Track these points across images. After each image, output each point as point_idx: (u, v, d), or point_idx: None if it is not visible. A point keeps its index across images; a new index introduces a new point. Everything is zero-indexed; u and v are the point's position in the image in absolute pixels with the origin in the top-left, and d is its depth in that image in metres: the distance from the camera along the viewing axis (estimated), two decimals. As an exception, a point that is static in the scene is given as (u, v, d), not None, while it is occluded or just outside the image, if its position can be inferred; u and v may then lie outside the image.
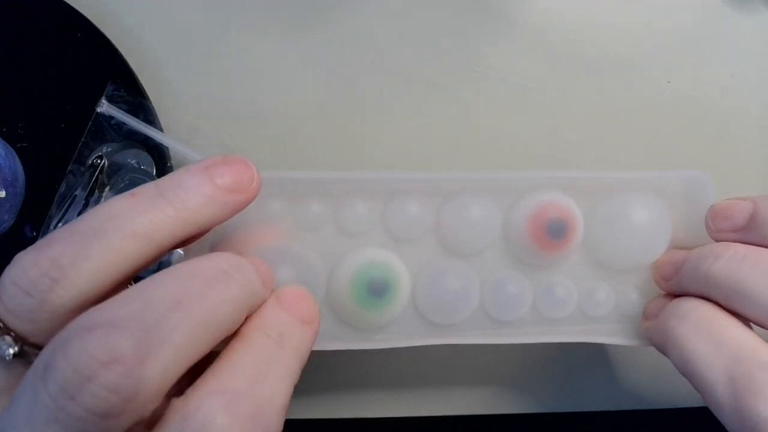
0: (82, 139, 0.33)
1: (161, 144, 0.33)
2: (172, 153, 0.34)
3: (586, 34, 0.34)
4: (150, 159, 0.33)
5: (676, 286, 0.25)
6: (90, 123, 0.33)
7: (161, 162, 0.33)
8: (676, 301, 0.24)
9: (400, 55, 0.34)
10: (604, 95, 0.34)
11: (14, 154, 0.34)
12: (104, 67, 0.33)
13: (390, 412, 0.35)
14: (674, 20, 0.34)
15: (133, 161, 0.33)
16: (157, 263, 0.24)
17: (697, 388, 0.22)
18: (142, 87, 0.33)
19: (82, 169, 0.33)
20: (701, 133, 0.34)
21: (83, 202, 0.33)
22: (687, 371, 0.23)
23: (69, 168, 0.33)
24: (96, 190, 0.33)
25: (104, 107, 0.33)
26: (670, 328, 0.23)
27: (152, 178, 0.33)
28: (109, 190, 0.33)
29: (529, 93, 0.34)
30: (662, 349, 0.25)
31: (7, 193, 0.32)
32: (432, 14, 0.34)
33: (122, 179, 0.33)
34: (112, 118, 0.33)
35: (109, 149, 0.33)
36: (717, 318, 0.23)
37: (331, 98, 0.34)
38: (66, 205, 0.33)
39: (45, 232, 0.33)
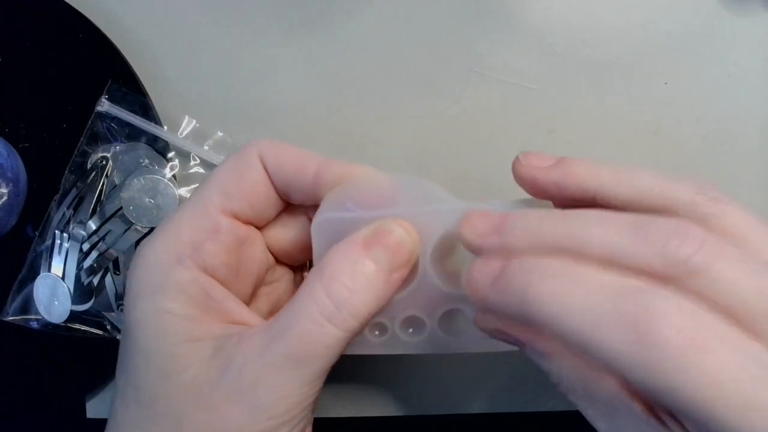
0: (83, 139, 0.33)
1: (162, 143, 0.33)
2: (173, 150, 0.34)
3: (585, 35, 0.34)
4: (161, 159, 0.33)
5: (498, 243, 0.21)
6: (90, 122, 0.33)
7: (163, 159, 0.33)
8: (519, 260, 0.20)
9: (400, 55, 0.34)
10: (603, 95, 0.34)
11: (16, 153, 0.34)
12: (105, 67, 0.33)
13: (390, 412, 0.35)
14: (672, 21, 0.34)
15: (145, 161, 0.33)
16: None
17: (582, 345, 0.18)
18: (143, 86, 0.33)
19: (84, 168, 0.33)
20: (699, 133, 0.34)
21: (91, 204, 0.33)
22: (561, 329, 0.18)
23: (70, 168, 0.33)
24: (104, 193, 0.33)
25: (105, 106, 0.33)
26: (523, 286, 0.19)
27: (168, 179, 0.33)
28: (122, 191, 0.32)
29: (529, 93, 0.34)
30: (520, 317, 0.19)
31: (9, 193, 0.33)
32: (432, 15, 0.34)
33: (138, 182, 0.32)
34: (113, 117, 0.33)
35: (117, 149, 0.33)
36: (576, 264, 0.19)
37: (332, 98, 0.34)
38: (68, 205, 0.33)
39: (45, 232, 0.33)
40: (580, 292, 0.18)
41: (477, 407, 0.35)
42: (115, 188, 0.33)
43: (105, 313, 0.33)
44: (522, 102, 0.34)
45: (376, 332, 0.25)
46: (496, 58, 0.34)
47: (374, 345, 0.26)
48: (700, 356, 0.16)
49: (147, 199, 0.32)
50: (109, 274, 0.33)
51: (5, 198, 0.32)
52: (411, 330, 0.25)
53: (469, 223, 0.22)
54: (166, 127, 0.34)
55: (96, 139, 0.33)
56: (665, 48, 0.34)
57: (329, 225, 0.24)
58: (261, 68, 0.34)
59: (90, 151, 0.33)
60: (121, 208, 0.32)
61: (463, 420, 0.35)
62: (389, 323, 0.25)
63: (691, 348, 0.16)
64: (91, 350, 0.34)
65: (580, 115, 0.34)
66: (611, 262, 0.18)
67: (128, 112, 0.33)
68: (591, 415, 0.21)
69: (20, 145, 0.34)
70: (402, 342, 0.25)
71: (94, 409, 0.35)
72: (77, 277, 0.32)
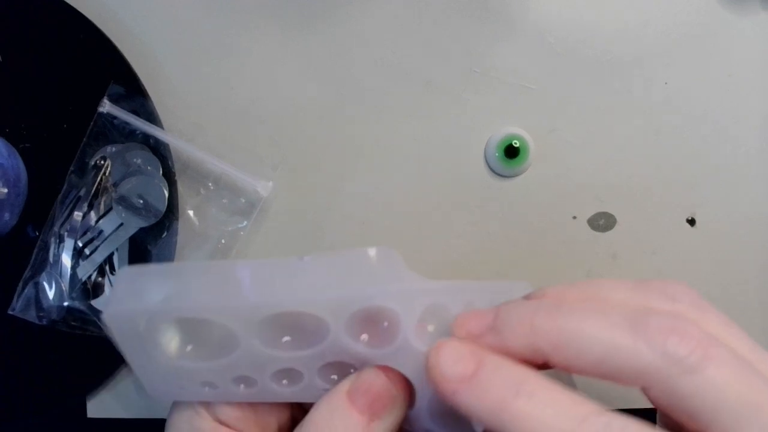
0: (85, 139, 0.33)
1: (163, 143, 0.33)
2: (173, 151, 0.34)
3: (585, 35, 0.34)
4: (155, 159, 0.33)
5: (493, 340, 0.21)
6: (92, 123, 0.33)
7: (163, 161, 0.33)
8: (497, 365, 0.20)
9: (400, 55, 0.34)
10: (603, 95, 0.34)
11: (17, 154, 0.34)
12: (106, 68, 0.33)
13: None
14: (672, 21, 0.34)
15: (138, 161, 0.33)
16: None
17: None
18: (144, 87, 0.33)
19: (86, 169, 0.33)
20: (700, 133, 0.34)
21: (87, 203, 0.33)
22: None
23: (71, 168, 0.33)
24: (100, 192, 0.33)
25: (106, 107, 0.33)
26: (500, 399, 0.19)
27: (159, 179, 0.33)
28: (116, 192, 0.33)
29: (529, 93, 0.34)
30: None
31: (9, 193, 0.33)
32: (432, 15, 0.34)
33: (129, 181, 0.33)
34: (114, 117, 0.33)
35: (113, 149, 0.33)
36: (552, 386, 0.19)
37: (331, 98, 0.34)
38: (69, 205, 0.33)
39: (47, 233, 0.33)
40: (549, 417, 0.18)
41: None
42: (109, 188, 0.33)
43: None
44: (522, 102, 0.34)
45: (285, 381, 0.24)
46: (496, 58, 0.34)
47: None
48: None
49: (137, 199, 0.33)
50: (107, 275, 0.33)
51: (5, 198, 0.33)
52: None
53: (462, 325, 0.22)
54: (165, 127, 0.34)
55: (98, 140, 0.33)
56: (665, 48, 0.34)
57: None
58: (261, 68, 0.34)
59: (92, 151, 0.33)
60: (111, 208, 0.33)
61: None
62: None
63: None
64: (92, 350, 0.34)
65: (580, 115, 0.34)
66: (603, 363, 0.19)
67: (129, 113, 0.33)
68: None
69: (21, 145, 0.34)
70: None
71: (94, 409, 0.35)
72: (73, 275, 0.33)
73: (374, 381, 0.22)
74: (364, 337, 0.23)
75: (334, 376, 0.24)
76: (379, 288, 0.22)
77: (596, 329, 0.19)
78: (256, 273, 0.23)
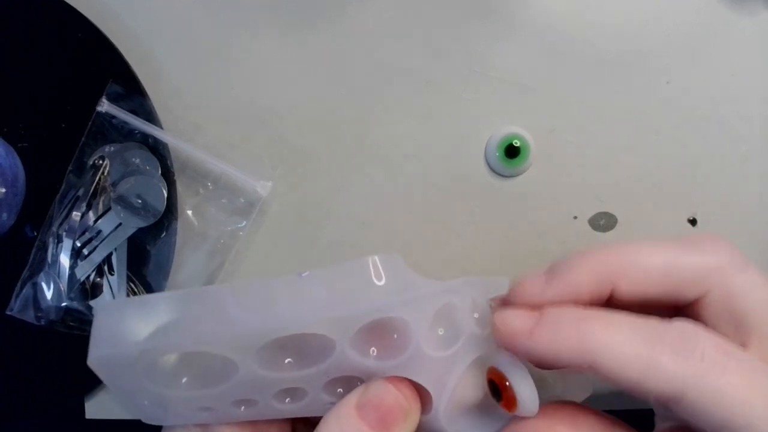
0: (83, 139, 0.33)
1: (162, 142, 0.33)
2: (172, 151, 0.34)
3: (585, 35, 0.34)
4: (154, 159, 0.33)
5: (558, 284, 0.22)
6: (91, 122, 0.33)
7: (162, 160, 0.33)
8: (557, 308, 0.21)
9: (400, 55, 0.34)
10: (604, 95, 0.34)
11: (15, 153, 0.34)
12: (104, 67, 0.33)
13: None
14: (674, 20, 0.34)
15: (137, 161, 0.33)
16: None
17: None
18: (143, 86, 0.33)
19: (84, 168, 0.33)
20: (701, 132, 0.34)
21: (85, 203, 0.33)
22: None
23: (69, 168, 0.33)
24: (99, 192, 0.33)
25: (105, 106, 0.33)
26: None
27: (157, 179, 0.33)
28: (115, 191, 0.33)
29: (529, 93, 0.34)
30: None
31: (7, 193, 0.33)
32: (432, 14, 0.34)
33: (128, 181, 0.33)
34: (113, 117, 0.33)
35: (112, 149, 0.33)
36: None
37: (331, 98, 0.34)
38: (68, 205, 0.33)
39: (45, 233, 0.33)
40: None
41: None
42: (107, 187, 0.33)
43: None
44: (522, 102, 0.34)
45: (288, 399, 0.23)
46: (496, 58, 0.34)
47: None
48: None
49: (135, 199, 0.33)
50: (105, 275, 0.33)
51: (3, 197, 0.32)
52: None
53: (521, 292, 0.23)
54: (164, 127, 0.34)
55: (97, 139, 0.33)
56: (667, 47, 0.34)
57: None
58: (261, 68, 0.34)
59: (91, 150, 0.33)
60: (110, 208, 0.33)
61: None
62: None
63: None
64: (90, 350, 0.34)
65: (580, 115, 0.34)
66: (669, 274, 0.22)
67: (128, 113, 0.33)
68: None
69: (19, 145, 0.34)
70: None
71: (93, 409, 0.35)
72: (71, 275, 0.33)
73: (384, 395, 0.22)
74: (373, 350, 0.22)
75: (340, 390, 0.23)
76: (385, 300, 0.21)
77: (656, 249, 0.22)
78: (255, 296, 0.21)
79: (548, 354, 0.20)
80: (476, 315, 0.23)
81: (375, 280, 0.21)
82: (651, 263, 0.22)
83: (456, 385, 0.22)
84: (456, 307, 0.22)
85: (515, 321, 0.21)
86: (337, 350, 0.21)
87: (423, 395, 0.22)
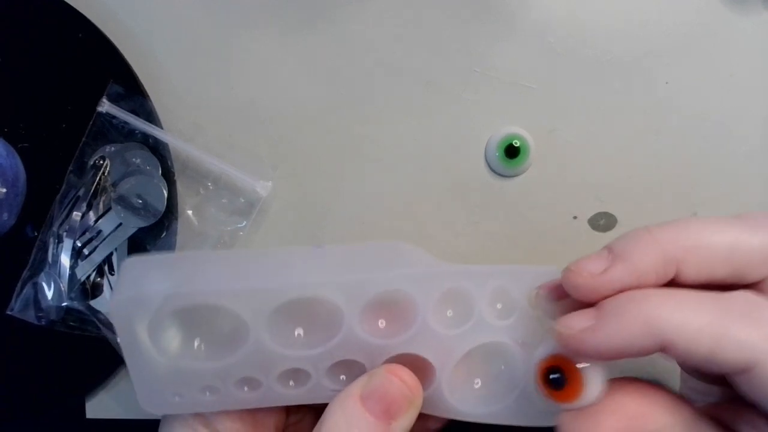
0: (84, 139, 0.33)
1: (162, 142, 0.33)
2: (172, 151, 0.34)
3: (585, 35, 0.34)
4: (154, 159, 0.33)
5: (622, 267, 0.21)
6: (91, 123, 0.33)
7: (162, 160, 0.33)
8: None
9: (400, 55, 0.34)
10: (603, 95, 0.34)
11: (15, 153, 0.34)
12: (105, 67, 0.33)
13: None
14: (673, 20, 0.34)
15: (138, 161, 0.33)
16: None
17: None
18: (143, 86, 0.33)
19: (85, 168, 0.33)
20: (701, 133, 0.34)
21: (86, 203, 0.33)
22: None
23: (70, 168, 0.33)
24: (99, 192, 0.33)
25: (105, 107, 0.33)
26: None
27: (158, 179, 0.33)
28: (115, 191, 0.33)
29: (529, 93, 0.34)
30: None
31: (8, 193, 0.33)
32: (432, 14, 0.34)
33: (128, 181, 0.33)
34: (113, 117, 0.33)
35: (112, 149, 0.33)
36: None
37: (331, 98, 0.34)
38: (68, 205, 0.33)
39: (46, 233, 0.33)
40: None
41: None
42: (108, 187, 0.33)
43: (104, 313, 0.33)
44: (522, 102, 0.34)
45: (291, 382, 0.24)
46: (496, 58, 0.34)
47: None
48: None
49: (136, 199, 0.33)
50: (105, 275, 0.33)
51: (4, 198, 0.32)
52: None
53: (579, 270, 0.21)
54: (164, 127, 0.34)
55: (97, 139, 0.33)
56: (666, 47, 0.34)
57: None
58: (261, 68, 0.34)
59: (91, 150, 0.33)
60: (110, 208, 0.33)
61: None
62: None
63: None
64: (91, 351, 0.34)
65: (580, 115, 0.34)
66: (731, 256, 0.21)
67: (128, 113, 0.33)
68: None
69: (19, 145, 0.34)
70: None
71: (94, 409, 0.35)
72: (72, 275, 0.33)
73: (388, 386, 0.22)
74: (382, 322, 0.23)
75: (343, 377, 0.23)
76: (396, 271, 0.22)
77: (721, 228, 0.21)
78: (273, 258, 0.23)
79: (618, 345, 0.20)
80: (499, 306, 0.23)
81: (388, 257, 0.22)
82: (717, 243, 0.21)
83: (460, 362, 0.23)
84: (470, 292, 0.23)
85: (578, 322, 0.20)
86: (345, 324, 0.22)
87: (427, 370, 0.23)
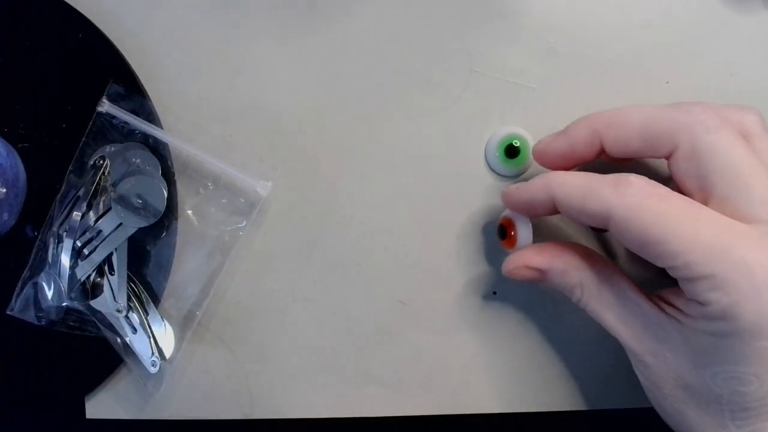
0: (84, 139, 0.33)
1: (162, 142, 0.33)
2: (172, 151, 0.34)
3: (585, 34, 0.34)
4: (154, 159, 0.33)
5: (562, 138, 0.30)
6: (91, 123, 0.33)
7: (162, 160, 0.33)
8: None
9: (399, 55, 0.34)
10: (604, 95, 0.34)
11: (15, 153, 0.34)
12: (105, 67, 0.33)
13: (390, 412, 0.35)
14: (674, 20, 0.34)
15: (138, 161, 0.33)
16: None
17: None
18: (143, 86, 0.33)
19: (85, 168, 0.33)
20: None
21: (86, 203, 0.33)
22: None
23: (70, 168, 0.33)
24: (99, 192, 0.33)
25: (105, 107, 0.33)
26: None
27: (158, 179, 0.33)
28: (115, 191, 0.33)
29: (529, 93, 0.34)
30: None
31: (8, 193, 0.33)
32: (432, 14, 0.34)
33: (128, 181, 0.33)
34: (113, 117, 0.33)
35: (112, 149, 0.33)
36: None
37: (331, 98, 0.34)
38: (68, 205, 0.33)
39: (46, 233, 0.33)
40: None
41: (478, 407, 0.35)
42: (108, 187, 0.33)
43: (104, 313, 0.33)
44: (522, 102, 0.34)
45: None
46: (496, 58, 0.34)
47: None
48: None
49: (136, 199, 0.33)
50: (105, 275, 0.33)
51: (4, 198, 0.32)
52: None
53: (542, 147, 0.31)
54: (164, 127, 0.34)
55: (97, 139, 0.33)
56: (666, 47, 0.34)
57: None
58: (261, 68, 0.34)
59: (91, 150, 0.33)
60: (110, 208, 0.33)
61: (465, 420, 0.35)
62: None
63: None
64: (91, 351, 0.34)
65: (580, 115, 0.34)
66: (646, 130, 0.27)
67: (128, 113, 0.33)
68: (604, 316, 0.28)
69: (20, 145, 0.34)
70: None
71: (93, 409, 0.35)
72: (72, 275, 0.33)
73: None
74: None
75: None
76: None
77: (639, 108, 0.27)
78: None
79: (526, 198, 0.29)
80: None
81: None
82: (631, 119, 0.27)
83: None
84: None
85: (510, 188, 0.30)
86: None
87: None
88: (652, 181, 0.25)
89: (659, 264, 0.25)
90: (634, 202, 0.24)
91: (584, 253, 0.29)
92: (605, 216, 0.25)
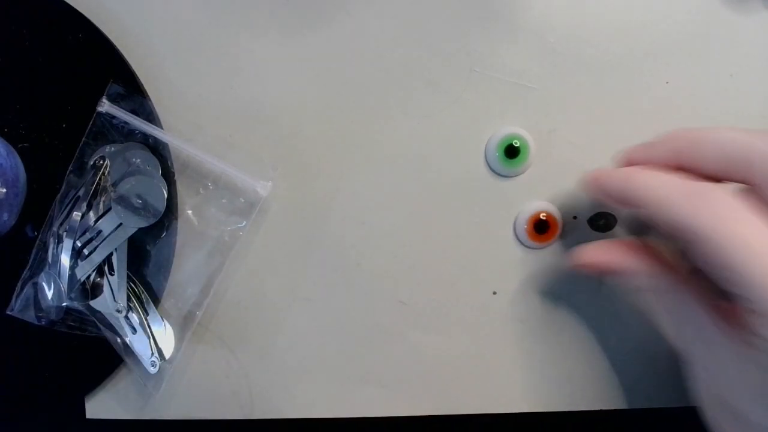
0: (84, 139, 0.33)
1: (162, 142, 0.33)
2: (172, 151, 0.34)
3: (585, 34, 0.34)
4: (154, 159, 0.33)
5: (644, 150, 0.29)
6: (91, 123, 0.33)
7: (162, 160, 0.33)
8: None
9: (400, 55, 0.34)
10: (603, 95, 0.34)
11: (15, 153, 0.34)
12: (105, 67, 0.33)
13: (390, 412, 0.35)
14: (673, 20, 0.34)
15: (138, 161, 0.33)
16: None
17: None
18: (143, 86, 0.33)
19: (85, 168, 0.33)
20: (701, 133, 0.34)
21: (86, 203, 0.33)
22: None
23: (70, 168, 0.33)
24: (99, 192, 0.33)
25: (105, 107, 0.33)
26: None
27: (158, 179, 0.33)
28: (115, 191, 0.33)
29: (529, 93, 0.34)
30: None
31: (8, 193, 0.33)
32: (432, 14, 0.34)
33: (128, 181, 0.33)
34: (113, 117, 0.33)
35: (112, 149, 0.33)
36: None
37: (331, 98, 0.34)
38: (68, 205, 0.33)
39: (46, 233, 0.33)
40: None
41: (478, 407, 0.35)
42: (108, 187, 0.33)
43: (104, 313, 0.33)
44: (522, 102, 0.34)
45: None
46: (496, 58, 0.34)
47: None
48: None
49: (136, 199, 0.33)
50: (105, 275, 0.33)
51: (4, 198, 0.32)
52: None
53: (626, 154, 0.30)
54: (164, 127, 0.34)
55: (97, 139, 0.33)
56: (666, 47, 0.34)
57: None
58: (261, 68, 0.34)
59: (91, 151, 0.33)
60: (110, 208, 0.33)
61: (464, 420, 0.35)
62: None
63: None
64: (91, 351, 0.34)
65: (580, 115, 0.34)
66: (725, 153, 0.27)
67: (128, 113, 0.33)
68: (665, 321, 0.28)
69: (20, 145, 0.34)
70: None
71: (94, 409, 0.35)
72: (72, 275, 0.33)
73: None
74: None
75: None
76: None
77: (716, 131, 0.26)
78: None
79: (612, 187, 0.28)
80: None
81: None
82: (709, 141, 0.26)
83: None
84: None
85: (599, 173, 0.29)
86: None
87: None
88: (737, 196, 0.24)
89: (725, 287, 0.24)
90: (716, 223, 0.24)
91: (653, 255, 0.29)
92: (683, 230, 0.25)
